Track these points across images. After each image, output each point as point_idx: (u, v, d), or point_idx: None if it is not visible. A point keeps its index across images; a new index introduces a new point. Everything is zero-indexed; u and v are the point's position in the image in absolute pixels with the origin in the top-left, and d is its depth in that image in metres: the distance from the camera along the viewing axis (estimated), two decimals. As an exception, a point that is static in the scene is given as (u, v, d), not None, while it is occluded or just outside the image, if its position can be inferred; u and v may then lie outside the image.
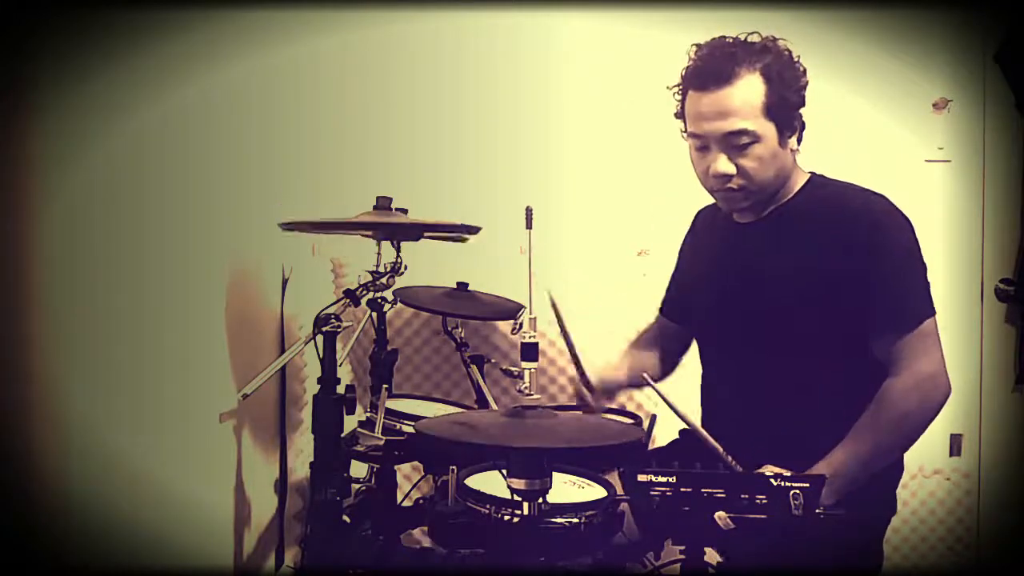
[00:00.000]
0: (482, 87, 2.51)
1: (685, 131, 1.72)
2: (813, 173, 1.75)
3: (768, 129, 1.61)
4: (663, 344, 2.00)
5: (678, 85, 1.71)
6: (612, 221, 2.52)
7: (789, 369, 1.66)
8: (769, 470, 1.50)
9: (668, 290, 2.03)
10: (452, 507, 1.50)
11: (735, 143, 1.61)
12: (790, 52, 1.67)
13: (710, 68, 1.62)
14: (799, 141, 1.70)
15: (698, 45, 1.68)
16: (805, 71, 1.68)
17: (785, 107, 1.63)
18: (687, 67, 1.68)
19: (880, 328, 1.59)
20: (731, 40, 1.66)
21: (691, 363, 1.97)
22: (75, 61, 1.35)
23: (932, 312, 1.60)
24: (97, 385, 1.43)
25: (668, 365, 2.00)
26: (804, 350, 1.64)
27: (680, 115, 1.73)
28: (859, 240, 1.59)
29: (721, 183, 1.65)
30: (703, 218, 1.96)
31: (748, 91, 1.60)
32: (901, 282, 1.60)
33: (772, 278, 1.68)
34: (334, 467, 1.61)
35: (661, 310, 2.04)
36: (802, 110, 1.68)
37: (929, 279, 1.62)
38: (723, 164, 1.62)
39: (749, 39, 1.66)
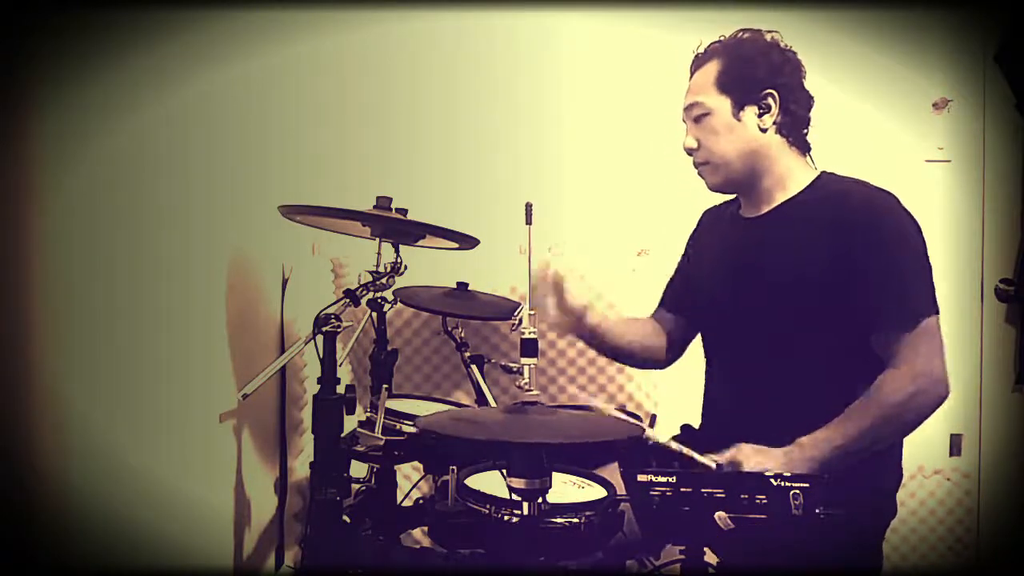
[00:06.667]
0: (482, 87, 2.51)
1: None
2: (824, 171, 1.76)
3: (720, 102, 1.71)
4: (664, 328, 2.00)
5: None
6: (612, 221, 2.53)
7: (790, 363, 1.66)
8: (743, 454, 1.51)
9: (671, 284, 2.04)
10: (452, 507, 1.50)
11: (692, 116, 1.75)
12: (772, 39, 1.73)
13: (693, 63, 1.79)
14: (787, 126, 1.71)
15: None
16: (787, 55, 1.72)
17: (741, 80, 1.70)
18: None
19: (880, 324, 1.59)
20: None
21: (692, 361, 1.97)
22: (75, 61, 1.35)
23: (934, 311, 1.60)
24: (97, 385, 1.43)
25: (676, 350, 2.00)
26: (805, 344, 1.64)
27: None
28: (862, 236, 1.60)
29: (693, 159, 1.77)
30: (710, 215, 1.98)
31: (705, 72, 1.75)
32: (903, 279, 1.60)
33: (775, 272, 1.68)
34: (334, 467, 1.61)
35: (662, 303, 2.04)
36: (777, 93, 1.69)
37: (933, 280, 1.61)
38: (686, 139, 1.77)
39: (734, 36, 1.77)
